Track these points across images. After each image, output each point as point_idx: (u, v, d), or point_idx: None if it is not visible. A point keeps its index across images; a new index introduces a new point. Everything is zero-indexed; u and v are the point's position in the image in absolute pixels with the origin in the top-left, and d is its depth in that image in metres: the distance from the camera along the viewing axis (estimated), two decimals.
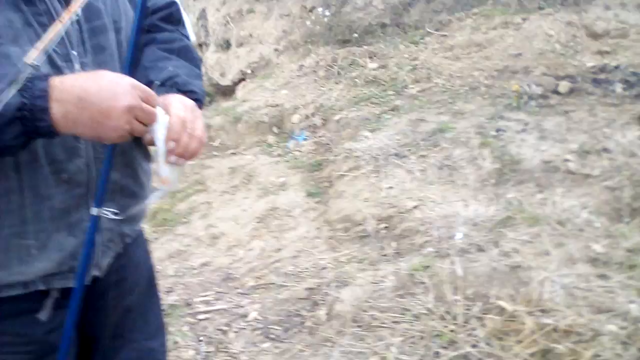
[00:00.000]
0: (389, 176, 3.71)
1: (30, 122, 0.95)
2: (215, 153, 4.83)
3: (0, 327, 1.19)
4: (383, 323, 2.67)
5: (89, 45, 1.16)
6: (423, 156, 3.87)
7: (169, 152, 1.12)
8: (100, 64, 1.17)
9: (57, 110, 0.96)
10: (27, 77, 0.96)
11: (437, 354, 2.50)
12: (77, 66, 1.12)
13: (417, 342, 2.55)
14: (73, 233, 1.16)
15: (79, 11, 1.01)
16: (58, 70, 1.07)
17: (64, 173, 1.11)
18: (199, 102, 1.26)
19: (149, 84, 1.21)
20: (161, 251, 3.72)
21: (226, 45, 6.64)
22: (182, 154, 1.14)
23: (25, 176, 1.07)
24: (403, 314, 2.68)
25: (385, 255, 3.14)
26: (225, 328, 2.93)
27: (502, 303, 2.58)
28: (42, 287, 1.18)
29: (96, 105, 0.98)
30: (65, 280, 1.20)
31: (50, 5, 1.09)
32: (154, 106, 1.07)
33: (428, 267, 2.88)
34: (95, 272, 1.25)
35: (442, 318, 2.61)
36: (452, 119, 4.30)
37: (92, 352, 1.40)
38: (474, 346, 2.43)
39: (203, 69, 6.74)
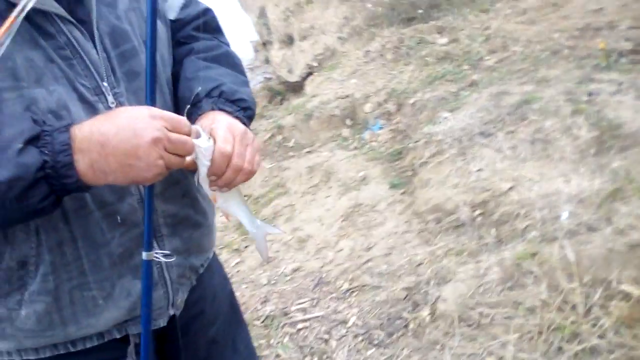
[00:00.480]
0: (476, 158, 3.48)
1: (55, 180, 0.87)
2: (291, 154, 4.74)
3: None
4: (494, 320, 2.49)
5: (121, 72, 1.07)
6: (511, 132, 3.61)
7: (211, 182, 1.04)
8: (136, 91, 1.08)
9: (82, 162, 0.88)
10: (45, 131, 0.88)
11: (559, 349, 2.29)
12: (110, 98, 1.04)
13: (535, 337, 2.36)
14: (138, 276, 1.10)
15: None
16: (90, 106, 1.00)
17: (116, 215, 1.05)
18: (250, 111, 1.18)
19: (194, 96, 1.13)
20: (252, 260, 3.68)
21: (289, 40, 6.54)
22: (224, 186, 1.05)
23: (76, 225, 1.01)
24: (515, 309, 2.49)
25: (485, 244, 2.93)
26: (326, 336, 2.83)
27: (625, 287, 2.34)
28: (117, 336, 1.15)
29: (120, 149, 0.89)
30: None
31: (71, 36, 1.00)
32: (185, 133, 0.96)
33: (535, 254, 2.66)
34: (172, 312, 1.21)
35: (560, 309, 2.40)
36: (537, 88, 4.00)
37: None
38: (600, 337, 2.22)
39: (271, 68, 6.71)
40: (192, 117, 1.09)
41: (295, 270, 3.39)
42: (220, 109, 1.11)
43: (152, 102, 1.00)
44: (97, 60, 1.02)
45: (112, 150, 0.88)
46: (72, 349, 1.10)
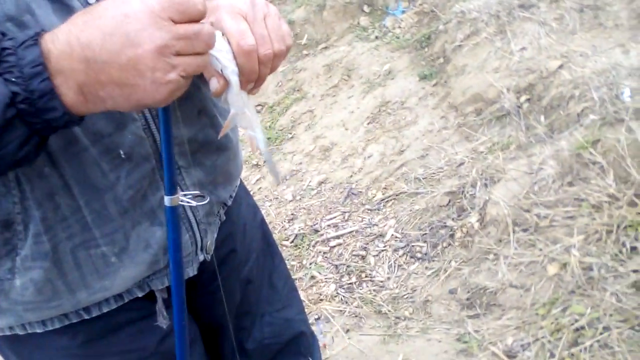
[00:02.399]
0: (518, 35, 3.04)
1: (34, 116, 0.63)
2: (305, 52, 4.31)
3: (100, 348, 0.99)
4: (554, 221, 2.19)
5: None
6: (555, 1, 3.15)
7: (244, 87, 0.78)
8: None
9: (66, 87, 0.63)
10: (5, 49, 0.62)
11: (634, 249, 2.02)
12: None
13: (604, 238, 2.08)
14: (157, 221, 0.91)
15: None
16: (62, 5, 0.75)
17: (118, 149, 0.84)
18: None
19: None
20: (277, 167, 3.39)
21: None
22: (260, 83, 0.80)
23: (67, 168, 0.80)
24: (578, 206, 2.18)
25: (535, 135, 2.57)
26: (362, 253, 2.57)
27: None
28: (139, 294, 0.98)
29: (112, 64, 0.62)
30: (167, 277, 0.98)
31: None
32: (199, 15, 0.66)
33: (597, 140, 2.30)
34: (201, 257, 1.04)
35: (632, 204, 2.09)
36: None
37: (219, 341, 1.23)
38: None
39: None
40: None
41: (321, 182, 3.10)
42: None
43: None
44: None
45: (102, 66, 0.63)
46: (86, 317, 0.94)
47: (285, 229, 2.91)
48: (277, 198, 3.19)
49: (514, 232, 2.22)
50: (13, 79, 0.61)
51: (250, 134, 0.84)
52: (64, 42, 0.63)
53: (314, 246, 2.74)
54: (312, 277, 2.57)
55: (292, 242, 2.81)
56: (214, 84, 0.76)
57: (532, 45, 2.94)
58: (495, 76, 2.91)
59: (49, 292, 0.88)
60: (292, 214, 3.00)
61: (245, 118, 0.81)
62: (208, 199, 0.93)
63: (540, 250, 2.13)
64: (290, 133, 3.65)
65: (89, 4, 0.75)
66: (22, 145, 0.65)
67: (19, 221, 0.81)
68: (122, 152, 0.84)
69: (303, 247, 2.75)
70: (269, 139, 3.71)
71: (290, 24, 4.35)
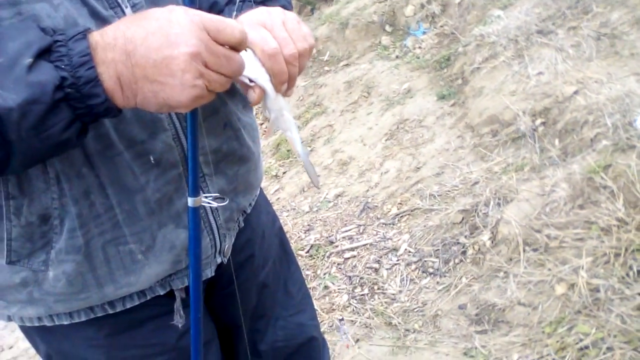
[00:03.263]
0: (535, 60, 3.10)
1: (79, 101, 0.69)
2: (326, 68, 4.40)
3: (124, 341, 1.05)
4: (564, 242, 2.24)
5: None
6: (573, 28, 3.20)
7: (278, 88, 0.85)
8: (155, 2, 0.86)
9: (107, 76, 0.69)
10: (57, 41, 0.68)
11: None
12: (128, 11, 0.85)
13: (612, 261, 2.12)
14: (182, 224, 0.97)
15: None
16: (104, 22, 0.81)
17: (149, 155, 0.90)
18: (288, 7, 1.00)
19: (213, 5, 0.95)
20: (291, 186, 3.47)
21: None
22: (293, 83, 0.87)
23: (103, 170, 0.87)
24: (588, 229, 2.23)
25: (549, 157, 2.63)
26: (375, 265, 2.64)
27: None
28: (161, 292, 1.03)
29: (149, 59, 0.69)
30: (187, 278, 1.04)
31: None
32: (235, 42, 0.73)
33: (609, 165, 2.35)
34: (219, 260, 1.10)
35: None
36: None
37: (234, 341, 1.28)
38: None
39: None
40: None
41: (338, 195, 3.17)
42: None
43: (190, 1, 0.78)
44: None
45: (139, 59, 0.69)
46: (110, 311, 1.00)
47: (302, 239, 2.98)
48: (294, 209, 3.27)
49: (524, 251, 2.28)
50: (62, 66, 0.67)
51: (289, 136, 0.91)
52: (111, 36, 0.69)
53: (328, 257, 2.81)
54: (326, 287, 2.64)
55: (308, 252, 2.88)
56: (251, 95, 0.83)
57: (549, 70, 3.01)
58: (512, 99, 2.98)
59: (79, 284, 0.93)
60: (308, 225, 3.07)
61: (284, 120, 0.88)
62: (227, 201, 0.99)
63: (549, 270, 2.19)
64: (310, 146, 3.74)
65: None
66: (66, 128, 0.70)
67: (56, 216, 0.86)
68: (152, 158, 0.90)
69: (318, 257, 2.83)
70: (288, 151, 3.79)
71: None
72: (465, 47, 3.56)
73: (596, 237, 2.19)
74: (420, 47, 4.05)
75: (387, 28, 4.34)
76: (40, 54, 0.67)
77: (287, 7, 0.96)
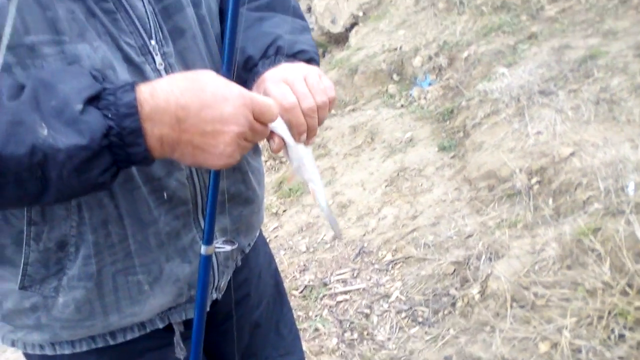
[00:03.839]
0: (535, 119, 3.19)
1: (120, 149, 0.73)
2: (333, 112, 4.51)
3: None
4: (550, 301, 2.29)
5: (166, 30, 0.91)
6: (574, 91, 3.30)
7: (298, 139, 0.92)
8: (182, 52, 0.93)
9: (150, 132, 0.74)
10: (106, 89, 0.73)
11: (621, 337, 2.09)
12: (158, 59, 0.89)
13: (595, 323, 2.16)
14: (187, 259, 1.01)
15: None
16: (136, 68, 0.87)
17: (163, 191, 0.94)
18: (313, 62, 1.03)
19: (248, 59, 0.99)
20: (290, 225, 3.54)
21: None
22: (312, 134, 0.93)
23: (122, 201, 0.90)
24: (574, 290, 2.27)
25: (542, 216, 2.69)
26: (367, 311, 2.68)
27: None
28: (160, 325, 1.07)
29: (198, 129, 0.76)
30: (184, 312, 1.09)
31: None
32: (270, 120, 0.83)
33: (598, 229, 2.41)
34: (215, 296, 1.13)
35: (624, 293, 2.18)
36: (604, 42, 3.64)
37: None
38: None
39: (313, 17, 6.42)
40: (249, 85, 0.97)
41: (335, 237, 3.23)
42: None
43: (229, 72, 0.85)
44: (144, 14, 0.88)
45: (189, 127, 0.75)
46: (111, 342, 1.03)
47: (296, 279, 3.04)
48: (291, 248, 3.33)
49: (511, 307, 2.33)
50: (109, 115, 0.71)
51: (312, 187, 0.96)
52: (164, 98, 0.74)
53: (321, 299, 2.86)
54: (316, 329, 2.68)
55: (301, 292, 2.93)
56: (271, 144, 0.90)
57: (548, 130, 3.10)
58: (510, 156, 3.06)
59: (86, 311, 0.95)
60: (304, 265, 3.13)
61: (306, 170, 0.93)
62: (237, 244, 1.02)
63: (534, 327, 2.23)
64: None
65: (158, 70, 0.90)
66: (104, 172, 0.74)
67: (73, 243, 0.89)
68: (166, 194, 0.94)
69: (311, 298, 2.88)
70: (289, 190, 3.88)
71: None
72: (468, 102, 3.67)
73: (581, 299, 2.24)
74: (425, 98, 4.17)
75: (395, 77, 4.47)
76: (90, 100, 0.71)
77: (314, 58, 1.02)
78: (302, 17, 1.12)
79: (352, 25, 5.88)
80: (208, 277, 0.98)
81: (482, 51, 4.10)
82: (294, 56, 1.00)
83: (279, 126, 0.88)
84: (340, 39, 6.09)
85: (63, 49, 0.78)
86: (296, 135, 0.90)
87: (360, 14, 5.85)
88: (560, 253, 2.41)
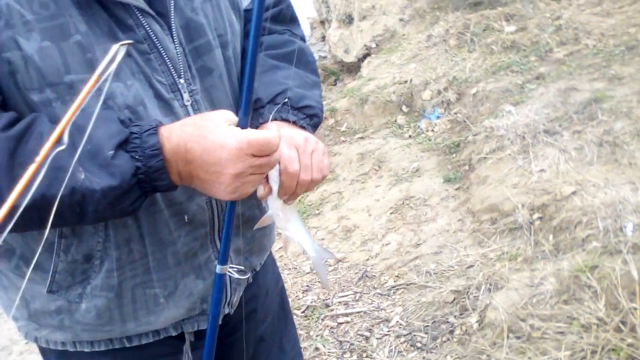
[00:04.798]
0: (539, 157, 3.29)
1: (147, 184, 0.86)
2: (342, 138, 4.63)
3: None
4: (545, 334, 2.35)
5: (195, 69, 1.01)
6: (578, 132, 3.40)
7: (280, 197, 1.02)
8: (208, 89, 1.03)
9: (170, 169, 0.87)
10: (133, 133, 0.85)
11: None
12: (186, 96, 0.99)
13: (588, 357, 2.22)
14: (201, 276, 1.10)
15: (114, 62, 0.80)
16: (165, 104, 0.97)
17: (184, 215, 1.03)
18: (316, 118, 1.13)
19: (256, 101, 1.08)
20: (295, 246, 3.61)
21: (348, 20, 6.37)
22: (292, 199, 1.04)
23: (145, 223, 0.99)
24: (569, 324, 2.34)
25: (542, 251, 2.77)
26: (367, 334, 2.75)
27: None
28: (173, 334, 1.15)
29: (203, 169, 0.88)
30: (197, 323, 1.17)
31: (150, 30, 0.93)
32: (272, 153, 0.91)
33: (595, 267, 2.49)
34: (227, 310, 1.20)
35: (618, 330, 2.24)
36: (609, 86, 3.75)
37: None
38: None
39: (327, 46, 6.58)
40: (253, 124, 1.05)
41: (339, 260, 3.31)
42: (283, 119, 1.06)
43: (245, 116, 0.94)
44: (175, 55, 0.97)
45: (195, 167, 0.87)
46: (127, 345, 1.10)
47: (299, 299, 3.11)
48: (295, 268, 3.41)
49: (508, 337, 2.40)
50: (137, 157, 0.83)
51: (286, 235, 1.06)
52: (175, 144, 0.86)
53: (322, 319, 2.93)
54: (316, 349, 2.74)
55: (303, 312, 3.00)
56: (260, 190, 0.99)
57: (551, 168, 3.19)
58: (513, 191, 3.16)
59: (106, 318, 1.04)
60: (307, 286, 3.21)
61: (280, 219, 1.04)
62: (249, 275, 1.13)
63: (529, 358, 2.30)
64: (318, 210, 3.91)
65: (185, 106, 0.99)
66: (134, 203, 0.87)
67: (98, 257, 0.98)
68: (186, 217, 1.03)
69: (313, 318, 2.95)
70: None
71: (332, 111, 4.70)
72: (475, 137, 3.77)
73: (576, 333, 2.30)
74: (432, 130, 4.28)
75: (404, 108, 4.59)
76: (119, 145, 0.82)
77: (317, 115, 1.12)
78: (315, 73, 1.22)
79: (365, 56, 6.03)
80: (221, 294, 1.06)
81: (491, 88, 4.22)
82: (300, 110, 1.09)
83: (273, 179, 0.98)
84: (352, 69, 6.25)
85: (99, 87, 0.88)
86: (281, 194, 1.00)
87: (373, 45, 6.01)
88: (557, 288, 2.49)
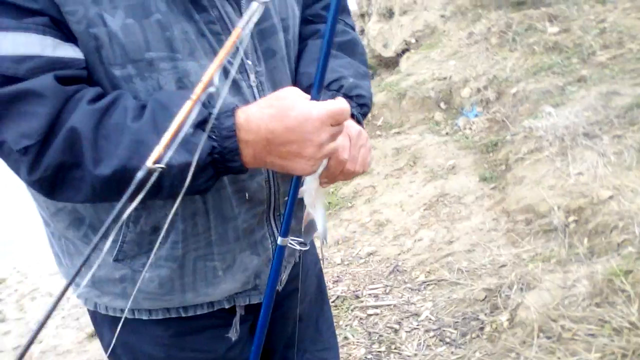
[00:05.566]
0: (577, 160, 3.27)
1: (221, 164, 0.89)
2: (378, 133, 4.66)
3: (184, 343, 1.20)
4: (576, 335, 2.36)
5: (260, 51, 1.05)
6: (618, 136, 3.36)
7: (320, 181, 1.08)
8: (271, 71, 1.07)
9: (245, 151, 0.89)
10: (212, 114, 0.86)
11: None
12: (252, 77, 1.03)
13: None
14: (256, 252, 1.14)
15: (252, 18, 0.83)
16: (234, 84, 1.00)
17: (245, 192, 1.07)
18: (366, 108, 1.18)
19: (312, 85, 1.09)
20: (328, 237, 3.66)
21: (389, 14, 6.37)
22: (330, 183, 1.10)
23: (210, 198, 1.03)
24: (601, 327, 2.34)
25: (576, 254, 2.77)
26: (396, 326, 2.79)
27: None
28: (226, 306, 1.19)
29: (285, 148, 0.89)
30: (249, 297, 1.21)
31: (223, 11, 0.97)
32: (345, 120, 0.94)
33: (630, 271, 2.48)
34: (277, 288, 1.23)
35: None
36: None
37: None
38: None
39: (365, 40, 6.59)
40: None
41: (370, 254, 3.35)
42: None
43: (318, 94, 0.96)
44: (244, 37, 1.01)
45: (277, 146, 0.88)
46: (183, 314, 1.15)
47: (329, 289, 3.16)
48: (327, 259, 3.46)
49: (538, 337, 2.41)
50: (214, 137, 0.86)
51: (309, 212, 1.11)
52: (255, 125, 0.87)
53: (352, 310, 2.97)
54: (345, 338, 2.79)
55: (333, 302, 3.05)
56: None
57: (589, 172, 3.17)
58: (550, 193, 3.15)
59: (167, 287, 1.09)
60: (337, 276, 3.25)
61: (310, 196, 1.08)
62: (309, 246, 1.17)
63: (559, 358, 2.31)
64: (350, 202, 3.95)
65: (251, 87, 1.02)
66: (207, 181, 0.89)
67: (165, 229, 1.00)
68: (247, 195, 1.07)
69: (342, 308, 2.99)
70: (329, 203, 4.01)
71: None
72: (513, 137, 3.76)
73: (607, 336, 2.30)
74: (470, 129, 4.27)
75: (442, 105, 4.59)
76: (198, 124, 0.84)
77: (367, 104, 1.17)
78: (366, 64, 1.26)
79: (404, 51, 6.03)
80: (280, 265, 1.07)
81: (531, 89, 4.20)
82: (352, 98, 1.13)
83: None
84: (391, 63, 6.25)
85: (176, 65, 0.92)
86: (322, 176, 1.05)
87: (413, 40, 6.01)
88: (590, 290, 2.49)
